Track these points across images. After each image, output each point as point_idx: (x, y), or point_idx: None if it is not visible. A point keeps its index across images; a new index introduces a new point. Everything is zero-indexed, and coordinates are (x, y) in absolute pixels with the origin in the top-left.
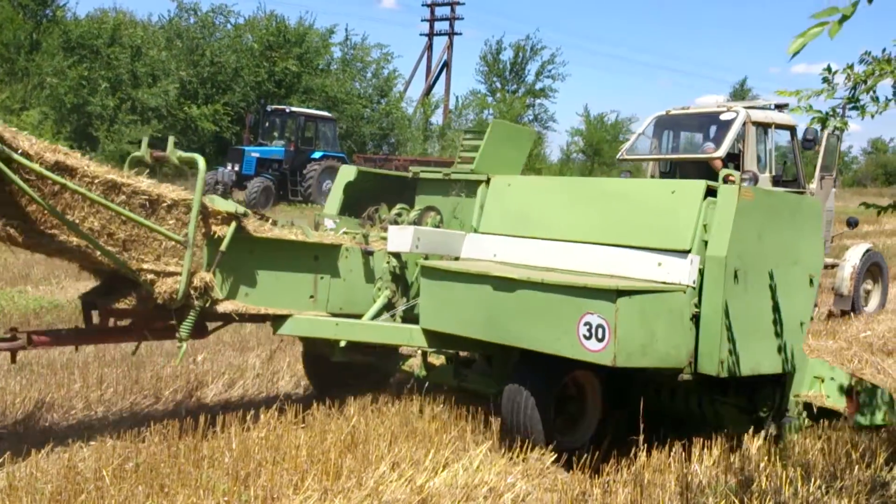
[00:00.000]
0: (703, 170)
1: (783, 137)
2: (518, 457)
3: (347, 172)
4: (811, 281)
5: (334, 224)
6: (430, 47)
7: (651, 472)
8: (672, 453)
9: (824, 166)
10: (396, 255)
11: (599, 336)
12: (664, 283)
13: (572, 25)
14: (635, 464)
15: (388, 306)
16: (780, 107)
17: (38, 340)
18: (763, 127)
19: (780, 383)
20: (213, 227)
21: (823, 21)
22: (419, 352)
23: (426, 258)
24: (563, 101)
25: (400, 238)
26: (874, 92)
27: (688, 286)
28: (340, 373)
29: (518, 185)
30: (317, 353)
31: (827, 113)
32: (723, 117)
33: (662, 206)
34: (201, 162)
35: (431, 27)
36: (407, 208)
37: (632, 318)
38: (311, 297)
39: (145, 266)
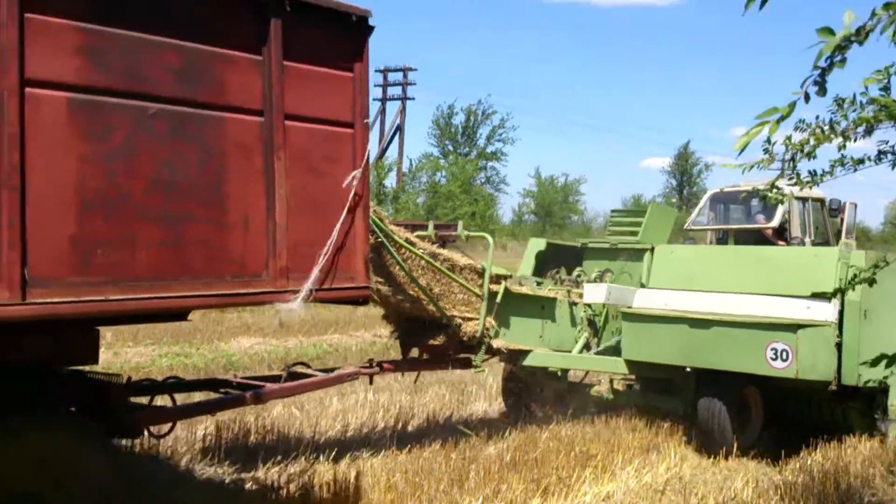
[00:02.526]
0: (754, 237)
1: (815, 208)
2: None
3: (538, 244)
4: None
5: (536, 283)
6: (383, 112)
7: None
8: None
9: (847, 231)
10: (589, 305)
11: (784, 357)
12: (814, 320)
13: (523, 91)
14: None
15: (586, 345)
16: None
17: (386, 367)
18: (802, 201)
19: (885, 393)
20: (490, 285)
21: (765, 121)
22: (602, 380)
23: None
24: (514, 163)
25: (596, 292)
26: (812, 160)
27: (832, 322)
28: (530, 397)
29: (680, 251)
30: (516, 380)
31: (765, 189)
32: None
33: (807, 266)
34: (490, 238)
35: (384, 92)
36: (584, 271)
37: (805, 344)
38: (540, 336)
39: (454, 313)
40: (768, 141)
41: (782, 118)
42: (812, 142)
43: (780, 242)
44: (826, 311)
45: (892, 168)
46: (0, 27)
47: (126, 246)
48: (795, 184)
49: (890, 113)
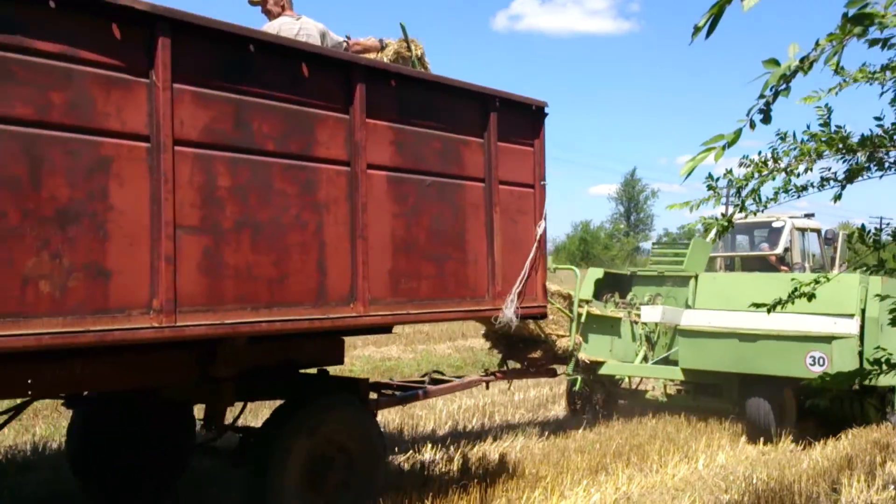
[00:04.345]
0: (758, 263)
1: (813, 238)
2: None
3: (596, 272)
4: None
5: (603, 306)
6: None
7: None
8: None
9: (842, 257)
10: (646, 323)
11: (821, 363)
12: (843, 333)
13: None
14: None
15: (644, 356)
16: (808, 215)
17: (498, 376)
18: (801, 231)
19: (893, 392)
20: (577, 309)
21: (711, 147)
22: (655, 386)
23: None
24: None
25: (653, 312)
26: (757, 194)
27: (856, 334)
28: (591, 402)
29: (721, 278)
30: (582, 389)
31: (713, 218)
32: (774, 225)
33: (833, 289)
34: (578, 271)
35: None
36: (635, 295)
37: (837, 352)
38: (610, 350)
39: (549, 331)
40: (710, 177)
41: (728, 145)
42: (756, 176)
43: (783, 268)
44: (851, 326)
45: (835, 200)
46: (356, 129)
47: (415, 277)
48: (741, 211)
49: (831, 144)
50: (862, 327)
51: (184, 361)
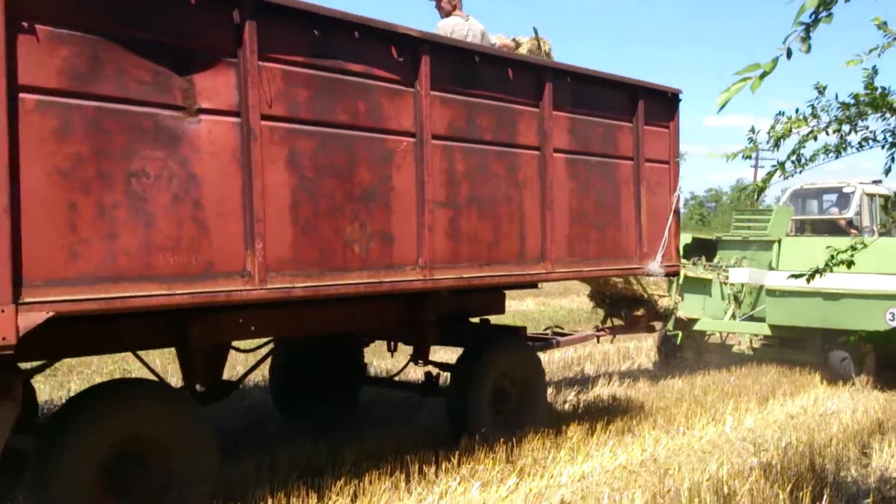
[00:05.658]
0: (828, 226)
1: (881, 203)
2: None
3: (685, 238)
4: None
5: (691, 267)
6: None
7: None
8: None
9: None
10: (733, 284)
11: None
12: None
13: None
14: None
15: (732, 314)
16: (876, 181)
17: (606, 331)
18: (870, 196)
19: None
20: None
21: (746, 77)
22: (741, 340)
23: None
24: None
25: (740, 274)
26: (798, 155)
27: None
28: (679, 353)
29: (804, 241)
30: (669, 343)
31: (749, 186)
32: (845, 190)
33: None
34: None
35: None
36: (722, 259)
37: None
38: (703, 308)
39: (651, 291)
40: (752, 130)
41: (764, 74)
42: (795, 132)
43: (853, 231)
44: None
45: (886, 174)
46: (545, 120)
47: (585, 241)
48: (781, 173)
49: (874, 104)
50: None
51: (398, 308)
